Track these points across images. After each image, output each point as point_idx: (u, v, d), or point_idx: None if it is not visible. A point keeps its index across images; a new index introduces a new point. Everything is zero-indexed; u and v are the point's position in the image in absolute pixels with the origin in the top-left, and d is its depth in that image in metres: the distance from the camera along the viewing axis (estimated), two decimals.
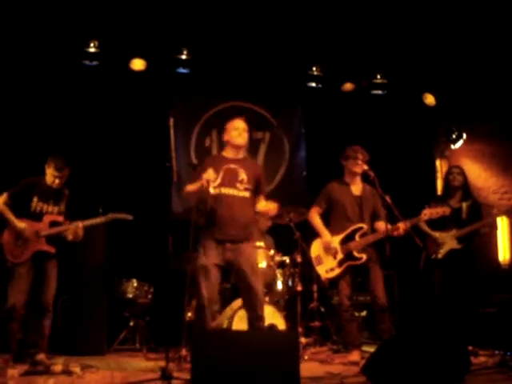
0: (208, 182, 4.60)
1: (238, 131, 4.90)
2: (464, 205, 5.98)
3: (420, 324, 6.21)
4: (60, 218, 5.25)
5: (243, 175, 4.86)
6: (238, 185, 4.83)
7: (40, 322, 5.12)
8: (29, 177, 5.30)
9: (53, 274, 5.21)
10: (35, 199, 5.19)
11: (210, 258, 4.72)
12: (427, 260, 6.03)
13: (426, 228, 5.95)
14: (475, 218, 5.90)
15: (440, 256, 5.90)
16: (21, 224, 5.10)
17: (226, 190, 4.81)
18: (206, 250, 4.75)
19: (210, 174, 4.65)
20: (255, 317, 4.74)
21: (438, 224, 5.78)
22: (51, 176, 5.22)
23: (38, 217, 5.18)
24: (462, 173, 6.09)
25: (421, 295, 6.54)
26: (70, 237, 5.19)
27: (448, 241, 5.90)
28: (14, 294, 5.04)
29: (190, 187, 4.82)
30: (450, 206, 5.75)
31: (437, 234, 5.93)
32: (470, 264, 5.94)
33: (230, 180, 4.82)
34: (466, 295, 5.85)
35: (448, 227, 5.88)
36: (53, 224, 5.20)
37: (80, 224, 5.17)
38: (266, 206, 4.95)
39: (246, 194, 4.86)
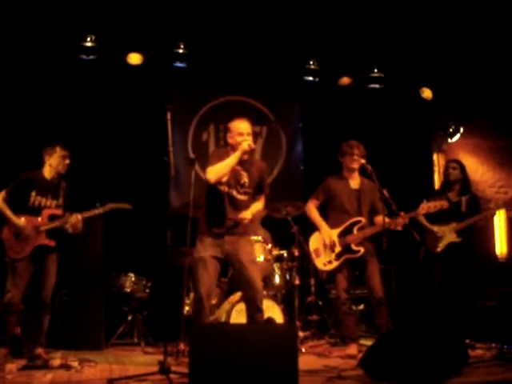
0: (249, 145, 4.70)
1: (242, 137, 4.82)
2: (463, 198, 5.99)
3: (417, 317, 6.27)
4: (59, 212, 5.23)
5: (245, 178, 4.84)
6: (239, 188, 4.82)
7: (38, 317, 5.12)
8: (27, 171, 5.28)
9: (52, 270, 5.20)
10: (33, 193, 5.16)
11: (208, 250, 4.71)
12: (426, 254, 6.04)
13: (424, 222, 5.95)
14: (474, 212, 5.92)
15: (439, 250, 5.90)
16: (20, 221, 5.09)
17: (228, 190, 4.79)
18: (204, 243, 4.74)
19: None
20: (254, 309, 4.72)
21: (436, 218, 5.78)
22: (60, 159, 5.20)
23: (36, 211, 5.16)
24: (461, 167, 6.09)
25: (419, 289, 6.55)
26: (70, 230, 5.18)
27: (447, 234, 5.90)
28: (12, 289, 5.04)
29: (230, 160, 4.70)
30: (449, 200, 5.74)
31: (436, 228, 5.93)
32: (469, 257, 5.96)
33: (233, 181, 4.80)
34: (465, 288, 5.86)
35: (447, 221, 5.89)
36: (52, 218, 5.19)
37: (79, 216, 5.15)
38: (255, 208, 4.92)
39: (245, 198, 4.85)
